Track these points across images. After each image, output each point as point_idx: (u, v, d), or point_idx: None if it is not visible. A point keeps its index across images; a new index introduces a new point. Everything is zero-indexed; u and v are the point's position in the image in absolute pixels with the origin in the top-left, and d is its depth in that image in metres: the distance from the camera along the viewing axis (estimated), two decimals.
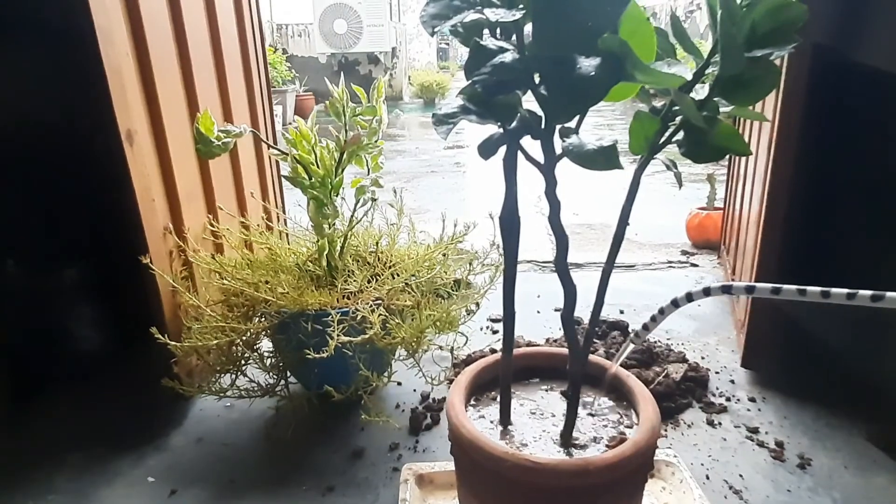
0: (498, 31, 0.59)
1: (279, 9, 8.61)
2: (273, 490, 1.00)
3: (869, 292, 0.57)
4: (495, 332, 1.56)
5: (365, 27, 8.27)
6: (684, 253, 2.21)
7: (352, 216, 1.20)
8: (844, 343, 1.28)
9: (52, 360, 1.27)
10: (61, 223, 1.20)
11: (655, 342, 1.44)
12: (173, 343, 1.04)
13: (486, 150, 0.56)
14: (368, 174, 1.19)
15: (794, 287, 0.63)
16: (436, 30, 0.50)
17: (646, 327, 0.73)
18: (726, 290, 0.67)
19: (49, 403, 1.25)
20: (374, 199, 1.18)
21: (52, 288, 1.25)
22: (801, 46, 1.14)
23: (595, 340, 1.43)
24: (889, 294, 0.56)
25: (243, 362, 1.11)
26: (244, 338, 1.08)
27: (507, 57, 0.49)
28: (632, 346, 0.77)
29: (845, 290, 0.59)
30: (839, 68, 1.12)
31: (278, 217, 1.59)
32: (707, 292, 0.67)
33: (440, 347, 1.13)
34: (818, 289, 0.60)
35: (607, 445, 0.72)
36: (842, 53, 1.13)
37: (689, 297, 0.68)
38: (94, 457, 1.09)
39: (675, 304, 0.69)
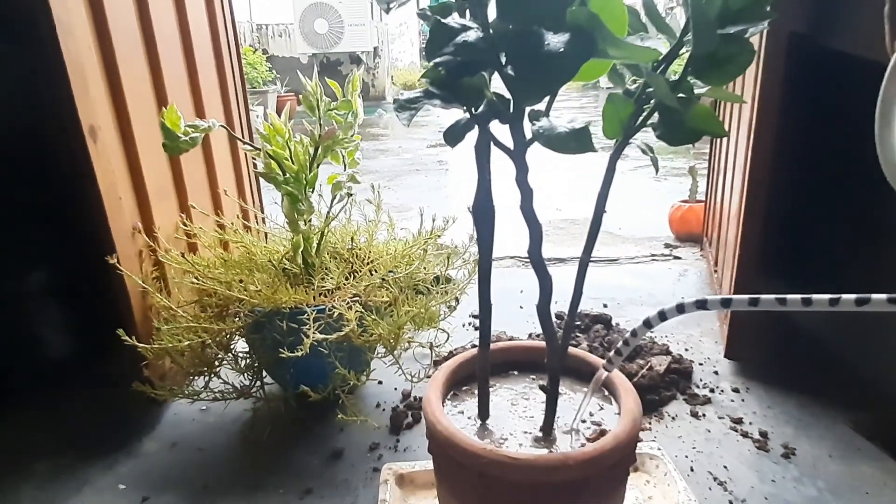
0: (467, 11, 0.57)
1: (259, 9, 8.52)
2: (249, 494, 0.97)
3: (853, 296, 0.54)
4: (478, 329, 1.54)
5: (346, 27, 8.21)
6: (667, 246, 2.21)
7: (328, 212, 1.18)
8: (827, 331, 1.28)
9: (17, 366, 1.23)
10: (22, 224, 1.16)
11: None
12: (143, 345, 1.01)
13: (453, 136, 0.53)
14: (345, 170, 1.16)
15: (772, 297, 0.59)
16: (391, 7, 0.47)
17: (619, 352, 0.69)
18: (700, 305, 0.63)
19: (15, 411, 1.21)
20: (349, 195, 1.15)
21: (16, 292, 1.20)
22: (777, 34, 1.13)
23: (578, 334, 1.41)
24: (875, 297, 0.53)
25: (217, 364, 1.08)
26: (217, 338, 1.05)
27: (471, 35, 0.47)
28: (606, 373, 0.72)
29: (827, 297, 0.55)
30: (816, 56, 1.11)
31: (255, 215, 1.56)
32: (681, 309, 0.64)
33: (420, 344, 1.11)
34: (798, 296, 0.57)
35: (588, 438, 0.70)
36: (818, 41, 1.13)
37: (663, 316, 0.64)
38: (63, 465, 1.05)
39: (648, 324, 0.65)
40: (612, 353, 0.70)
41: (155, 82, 1.20)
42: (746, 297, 0.60)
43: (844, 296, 0.54)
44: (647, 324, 0.65)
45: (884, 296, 0.52)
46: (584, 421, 0.73)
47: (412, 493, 0.92)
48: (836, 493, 0.94)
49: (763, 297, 0.59)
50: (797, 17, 1.11)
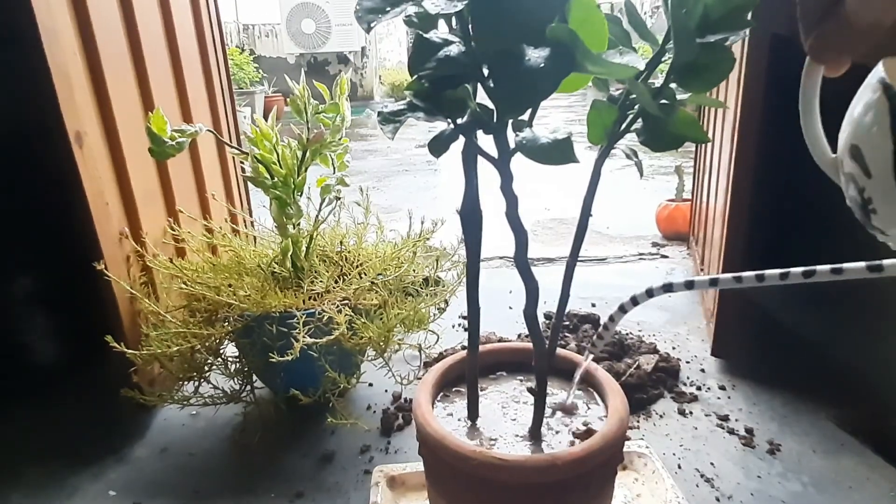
0: (453, 21, 0.58)
1: (245, 9, 8.47)
2: (240, 498, 0.98)
3: (828, 266, 0.54)
4: (467, 330, 1.54)
5: (334, 26, 8.19)
6: (655, 245, 2.23)
7: (317, 216, 1.18)
8: (811, 328, 1.30)
9: (4, 373, 1.22)
10: (8, 231, 1.15)
11: (627, 334, 1.44)
12: (132, 351, 1.00)
13: (437, 147, 0.54)
14: (334, 173, 1.17)
15: (729, 276, 0.59)
16: (372, 25, 0.48)
17: (600, 337, 0.70)
18: (667, 288, 0.62)
19: (3, 418, 1.20)
20: (337, 198, 1.15)
21: (2, 299, 1.19)
22: (760, 37, 1.14)
23: (566, 334, 1.42)
24: (847, 266, 0.53)
25: (207, 369, 1.08)
26: (207, 343, 1.05)
27: (453, 50, 0.47)
28: (591, 356, 0.73)
29: (801, 269, 0.56)
30: (799, 58, 1.13)
31: (244, 219, 1.55)
32: (635, 302, 0.64)
33: (410, 346, 1.12)
34: (752, 273, 0.57)
35: (576, 436, 0.71)
36: (800, 43, 1.14)
37: (623, 309, 0.65)
38: (52, 472, 1.04)
39: (612, 319, 0.67)
40: (595, 336, 0.71)
41: (141, 86, 1.20)
42: (707, 277, 0.61)
43: (819, 267, 0.54)
44: (612, 319, 0.67)
45: (827, 266, 0.52)
46: (571, 422, 0.74)
47: (403, 495, 0.92)
48: (820, 488, 0.95)
49: (721, 276, 0.59)
50: (780, 19, 1.12)
